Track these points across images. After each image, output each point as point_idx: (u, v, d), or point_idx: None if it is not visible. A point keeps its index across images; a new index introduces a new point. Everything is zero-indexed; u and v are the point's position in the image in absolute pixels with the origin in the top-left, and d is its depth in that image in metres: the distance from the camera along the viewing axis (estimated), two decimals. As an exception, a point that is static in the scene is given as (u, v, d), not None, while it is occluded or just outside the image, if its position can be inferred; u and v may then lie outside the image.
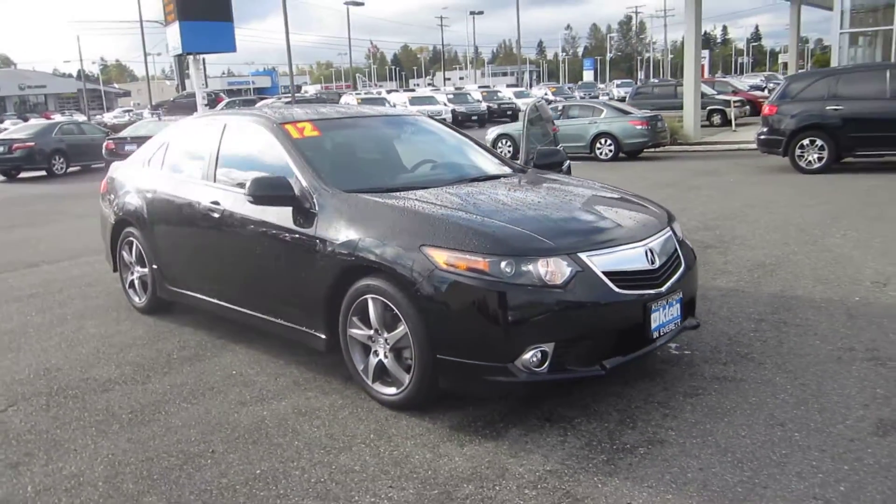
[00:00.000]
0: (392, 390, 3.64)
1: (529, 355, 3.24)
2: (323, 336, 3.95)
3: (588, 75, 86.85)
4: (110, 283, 6.64)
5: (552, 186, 4.38)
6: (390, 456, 3.22)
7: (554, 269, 3.27)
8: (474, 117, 32.03)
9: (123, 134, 16.18)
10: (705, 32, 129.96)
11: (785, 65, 79.83)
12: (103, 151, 15.83)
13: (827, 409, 3.44)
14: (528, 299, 3.23)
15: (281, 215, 4.08)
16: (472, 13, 68.62)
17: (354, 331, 3.76)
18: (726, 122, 24.07)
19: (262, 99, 37.12)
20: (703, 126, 21.05)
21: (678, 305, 3.67)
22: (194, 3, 27.52)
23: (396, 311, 3.48)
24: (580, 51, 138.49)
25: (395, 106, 31.39)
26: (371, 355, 3.72)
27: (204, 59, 32.68)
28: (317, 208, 3.92)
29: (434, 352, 3.36)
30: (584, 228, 3.61)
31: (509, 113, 34.13)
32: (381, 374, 3.71)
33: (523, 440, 3.30)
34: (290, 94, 41.89)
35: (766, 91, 33.73)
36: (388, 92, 44.08)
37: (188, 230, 4.88)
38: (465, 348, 3.30)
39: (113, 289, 6.44)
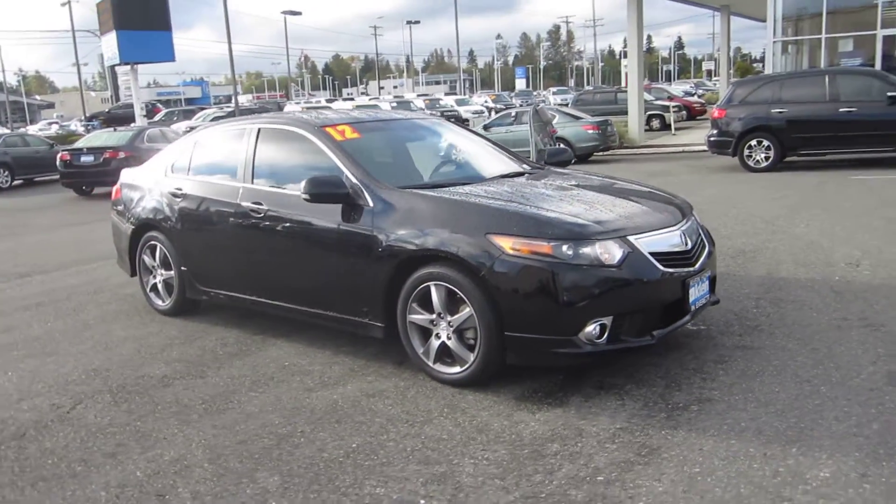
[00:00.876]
0: (456, 369, 3.94)
1: (591, 328, 3.61)
2: (381, 324, 4.22)
3: (520, 83, 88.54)
4: (117, 290, 6.70)
5: (581, 180, 4.78)
6: (471, 425, 3.52)
7: (608, 251, 3.66)
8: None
9: (79, 145, 15.84)
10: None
11: (709, 72, 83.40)
12: (57, 163, 15.47)
13: (841, 367, 3.92)
14: (588, 278, 3.60)
15: (330, 212, 4.33)
16: (408, 22, 69.28)
17: (415, 316, 4.04)
18: (665, 127, 25.21)
19: (202, 109, 36.54)
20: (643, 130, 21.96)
21: (707, 282, 4.11)
22: (132, 11, 27.11)
23: (461, 295, 3.79)
24: (510, 59, 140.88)
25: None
26: (433, 338, 4.01)
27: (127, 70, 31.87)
28: (371, 204, 4.20)
29: (503, 330, 3.69)
30: (628, 214, 4.01)
31: (452, 121, 34.57)
32: (442, 355, 4.00)
33: (586, 406, 3.65)
34: (222, 105, 41.42)
35: (697, 97, 35.33)
36: (328, 101, 44.00)
37: (225, 231, 5.05)
38: (532, 325, 3.65)
39: (122, 294, 6.52)
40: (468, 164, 5.05)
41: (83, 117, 38.25)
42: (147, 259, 5.79)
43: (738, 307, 5.06)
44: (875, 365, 3.90)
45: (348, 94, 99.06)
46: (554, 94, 50.05)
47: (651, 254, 3.77)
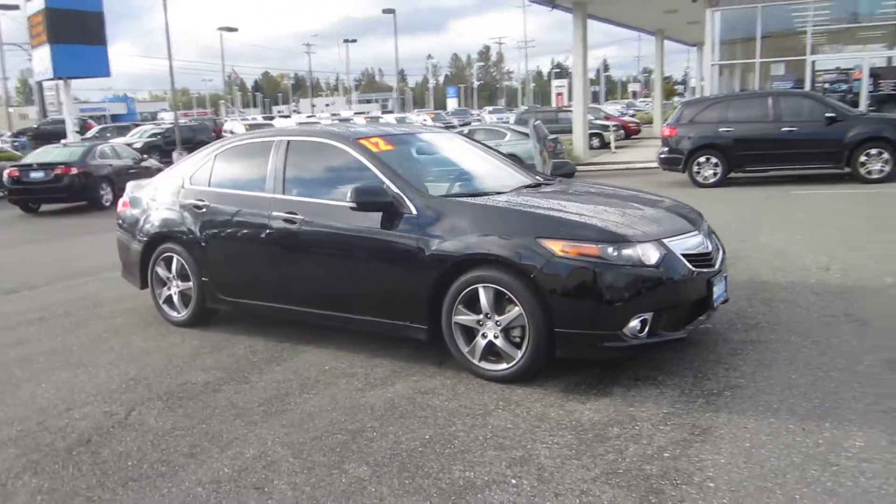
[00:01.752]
0: (502, 366, 4.21)
1: (634, 323, 3.95)
2: (424, 326, 4.45)
3: (452, 103, 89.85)
4: (116, 304, 6.68)
5: (600, 189, 5.16)
6: (529, 415, 3.80)
7: (647, 253, 4.02)
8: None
9: (28, 160, 15.36)
10: (558, 63, 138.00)
11: (634, 93, 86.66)
12: (5, 179, 14.96)
13: (843, 355, 4.39)
14: (631, 277, 3.95)
15: (371, 220, 4.55)
16: (346, 41, 69.49)
17: (461, 317, 4.30)
18: (604, 145, 26.20)
19: (136, 125, 35.67)
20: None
21: (724, 281, 4.53)
22: (67, 25, 26.39)
23: (510, 295, 4.08)
24: (441, 79, 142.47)
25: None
26: (479, 337, 4.27)
27: (58, 85, 30.92)
28: (414, 212, 4.45)
29: (552, 327, 3.99)
30: (657, 219, 4.39)
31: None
32: (487, 353, 4.27)
33: (629, 395, 3.98)
34: (147, 121, 40.48)
35: (631, 116, 36.76)
36: (267, 118, 43.60)
37: (254, 241, 5.18)
38: (581, 321, 3.96)
39: (123, 309, 6.51)
40: (491, 175, 5.35)
41: (8, 133, 36.65)
42: (161, 271, 5.84)
43: (734, 307, 5.50)
44: (873, 354, 4.38)
45: (278, 111, 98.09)
46: (490, 112, 51.03)
47: (683, 255, 4.16)
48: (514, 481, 3.14)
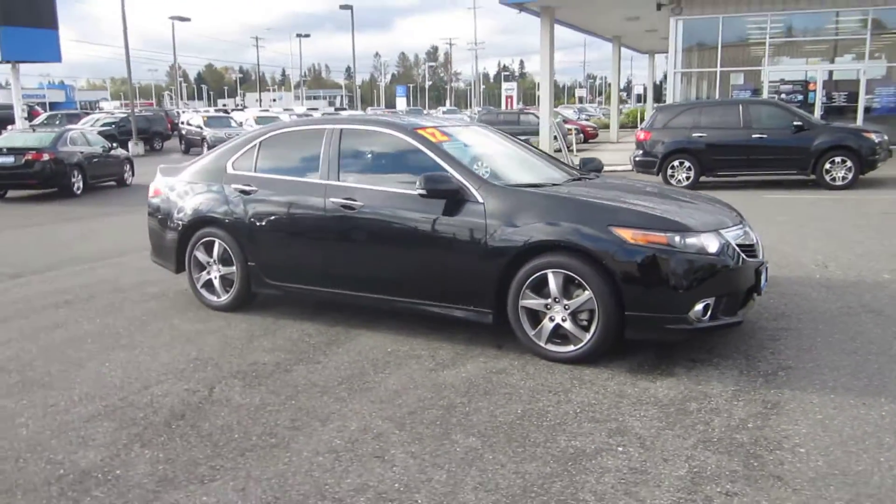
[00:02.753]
0: (569, 348, 4.44)
1: (698, 307, 4.25)
2: (490, 310, 4.65)
3: (401, 102, 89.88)
4: (142, 289, 6.65)
5: (643, 185, 5.49)
6: (608, 391, 4.04)
7: (709, 242, 4.31)
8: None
9: (-1, 145, 14.80)
10: (504, 66, 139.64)
11: (580, 98, 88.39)
12: (-30, 165, 14.40)
13: (873, 342, 4.78)
14: (697, 264, 4.24)
15: (436, 208, 4.72)
16: (298, 35, 68.59)
17: (528, 301, 4.51)
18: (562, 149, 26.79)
19: (87, 114, 34.53)
20: (552, 150, 23.32)
21: (766, 271, 4.87)
22: (17, 6, 25.40)
23: (580, 280, 4.32)
24: (388, 78, 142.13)
25: (241, 125, 30.88)
26: (546, 321, 4.49)
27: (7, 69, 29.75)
28: (480, 200, 4.64)
29: (622, 310, 4.24)
30: (711, 212, 4.71)
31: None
32: (553, 336, 4.49)
33: (692, 375, 4.27)
34: (113, 111, 39.32)
35: (586, 121, 37.59)
36: (220, 111, 42.79)
37: (307, 226, 5.29)
38: (651, 305, 4.23)
39: (152, 293, 6.49)
40: (535, 167, 5.57)
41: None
42: (200, 255, 5.86)
43: (757, 299, 5.85)
44: (899, 339, 4.80)
45: (223, 104, 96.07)
46: (444, 113, 51.36)
47: (736, 245, 4.48)
48: (620, 449, 3.37)
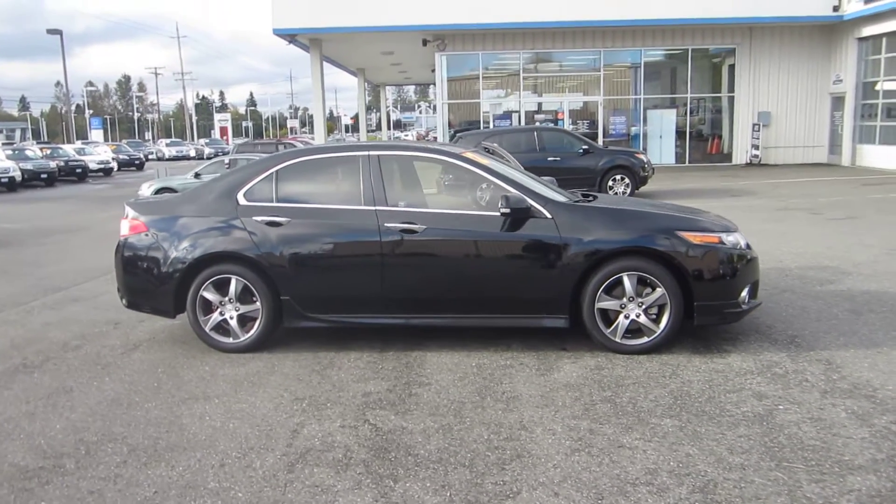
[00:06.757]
0: (643, 340, 5.07)
1: (744, 293, 5.17)
2: (565, 316, 5.09)
3: (97, 134, 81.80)
4: (151, 327, 5.72)
5: (644, 200, 6.28)
6: (710, 370, 4.73)
7: (740, 239, 5.28)
8: (44, 176, 28.39)
9: None
10: (203, 97, 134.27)
11: (293, 129, 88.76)
12: None
13: (892, 337, 5.67)
14: (741, 257, 5.16)
15: (505, 225, 5.05)
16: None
17: (604, 303, 5.05)
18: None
19: None
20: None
21: (755, 263, 6.01)
22: None
23: (653, 279, 4.98)
24: (73, 108, 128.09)
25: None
26: (621, 318, 5.06)
27: None
28: (549, 216, 5.07)
29: (691, 301, 5.00)
30: (722, 217, 5.69)
31: (78, 171, 31.09)
32: (626, 332, 5.08)
33: (744, 351, 5.13)
34: None
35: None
36: None
37: (358, 254, 5.19)
38: (712, 294, 5.05)
39: (153, 337, 5.64)
40: (547, 187, 6.09)
41: None
42: (210, 296, 5.33)
43: (762, 298, 6.14)
44: (898, 313, 6.00)
45: None
46: (168, 145, 48.21)
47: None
48: (780, 408, 4.09)
